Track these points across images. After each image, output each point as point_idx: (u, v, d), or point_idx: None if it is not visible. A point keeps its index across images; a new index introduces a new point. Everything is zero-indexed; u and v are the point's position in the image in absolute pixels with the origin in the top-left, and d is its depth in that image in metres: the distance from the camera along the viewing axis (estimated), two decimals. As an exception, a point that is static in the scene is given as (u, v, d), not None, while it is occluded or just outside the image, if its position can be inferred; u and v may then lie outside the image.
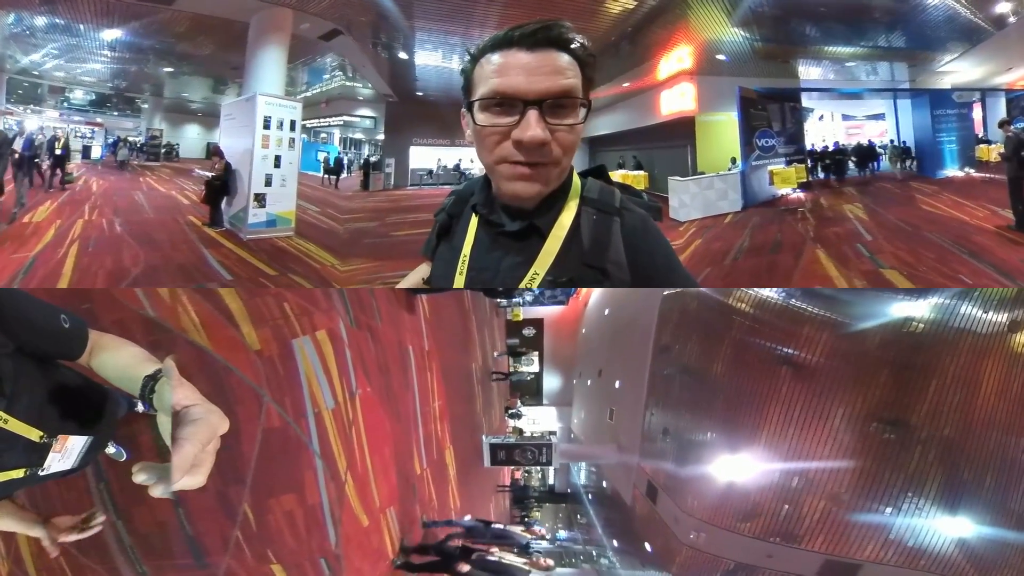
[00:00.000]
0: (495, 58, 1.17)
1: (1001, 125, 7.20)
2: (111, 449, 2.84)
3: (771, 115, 10.25)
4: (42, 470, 1.28)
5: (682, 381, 8.44)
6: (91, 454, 1.44)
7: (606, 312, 14.87)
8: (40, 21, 9.10)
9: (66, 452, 1.33)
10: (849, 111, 12.76)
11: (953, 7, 8.81)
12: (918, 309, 6.49)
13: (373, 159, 12.20)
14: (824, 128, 12.48)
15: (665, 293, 10.15)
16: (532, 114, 1.12)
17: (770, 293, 7.45)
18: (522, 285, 1.25)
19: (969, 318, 6.29)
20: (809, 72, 11.01)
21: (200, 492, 3.27)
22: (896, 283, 6.45)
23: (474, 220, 1.37)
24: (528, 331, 19.04)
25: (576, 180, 1.33)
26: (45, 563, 3.05)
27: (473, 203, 1.38)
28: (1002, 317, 6.18)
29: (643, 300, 10.72)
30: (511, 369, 16.20)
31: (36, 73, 11.11)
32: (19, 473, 1.23)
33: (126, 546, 3.14)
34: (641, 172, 11.61)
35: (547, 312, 19.23)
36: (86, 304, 3.16)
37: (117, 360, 1.35)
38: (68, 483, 3.06)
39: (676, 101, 10.75)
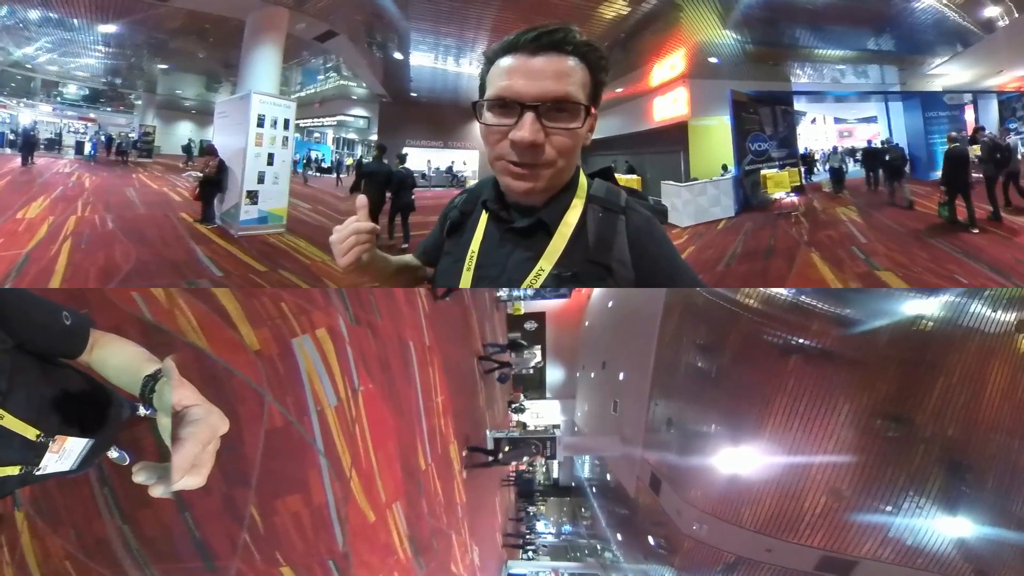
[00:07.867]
0: (504, 62, 1.20)
1: (975, 132, 7.60)
2: (114, 454, 2.83)
3: (763, 119, 10.25)
4: (38, 469, 1.25)
5: (687, 372, 8.37)
6: (91, 457, 1.40)
7: (610, 304, 14.74)
8: (34, 14, 9.06)
9: (64, 453, 1.30)
10: (841, 114, 12.84)
11: (941, 11, 8.85)
12: (929, 307, 6.46)
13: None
14: (816, 131, 12.55)
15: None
16: (528, 116, 1.15)
17: (779, 290, 7.44)
18: (526, 283, 1.26)
19: (978, 317, 6.27)
20: (800, 75, 11.06)
21: (206, 494, 3.25)
22: (891, 284, 6.46)
23: (484, 217, 1.39)
24: (530, 325, 18.75)
25: (583, 179, 1.34)
26: (51, 568, 3.01)
27: (483, 199, 1.40)
28: (1010, 317, 6.15)
29: (648, 292, 10.67)
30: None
31: (29, 67, 11.07)
32: (14, 470, 1.21)
33: (133, 550, 3.11)
34: (634, 176, 11.58)
35: (549, 306, 19.07)
36: (84, 309, 3.10)
37: (117, 359, 1.35)
38: (72, 489, 3.05)
39: (669, 107, 10.77)
